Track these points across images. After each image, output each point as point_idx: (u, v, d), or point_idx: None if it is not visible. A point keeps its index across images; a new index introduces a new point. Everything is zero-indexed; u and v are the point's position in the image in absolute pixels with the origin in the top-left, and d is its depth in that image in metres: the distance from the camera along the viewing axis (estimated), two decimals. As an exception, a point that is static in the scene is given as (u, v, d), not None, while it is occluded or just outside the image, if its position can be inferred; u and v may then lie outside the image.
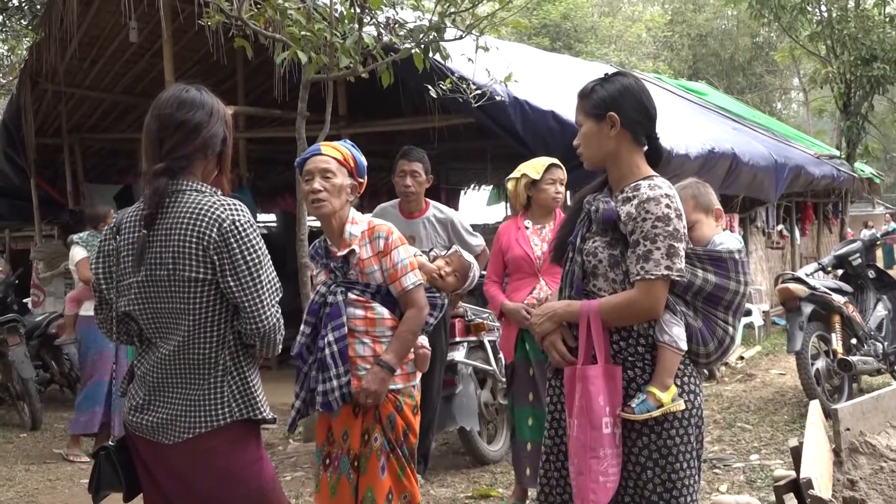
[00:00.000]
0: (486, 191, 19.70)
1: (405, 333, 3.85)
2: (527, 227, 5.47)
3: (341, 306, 3.80)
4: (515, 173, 5.48)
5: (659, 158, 3.19)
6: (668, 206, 2.97)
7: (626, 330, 3.05)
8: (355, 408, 3.84)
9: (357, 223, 3.90)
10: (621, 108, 3.08)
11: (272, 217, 16.34)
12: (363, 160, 3.96)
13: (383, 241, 3.85)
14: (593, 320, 3.02)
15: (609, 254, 3.04)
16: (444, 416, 6.19)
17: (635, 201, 3.00)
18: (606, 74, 3.20)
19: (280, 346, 2.99)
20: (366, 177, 3.99)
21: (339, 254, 3.86)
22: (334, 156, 3.84)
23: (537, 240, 5.42)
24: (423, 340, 4.07)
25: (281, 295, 2.95)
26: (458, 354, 6.36)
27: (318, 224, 4.81)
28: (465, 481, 6.20)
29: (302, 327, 3.89)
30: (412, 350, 3.95)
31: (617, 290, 3.04)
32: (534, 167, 5.46)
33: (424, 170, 5.91)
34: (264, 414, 2.96)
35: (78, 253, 7.49)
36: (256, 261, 2.84)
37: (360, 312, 3.83)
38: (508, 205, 5.63)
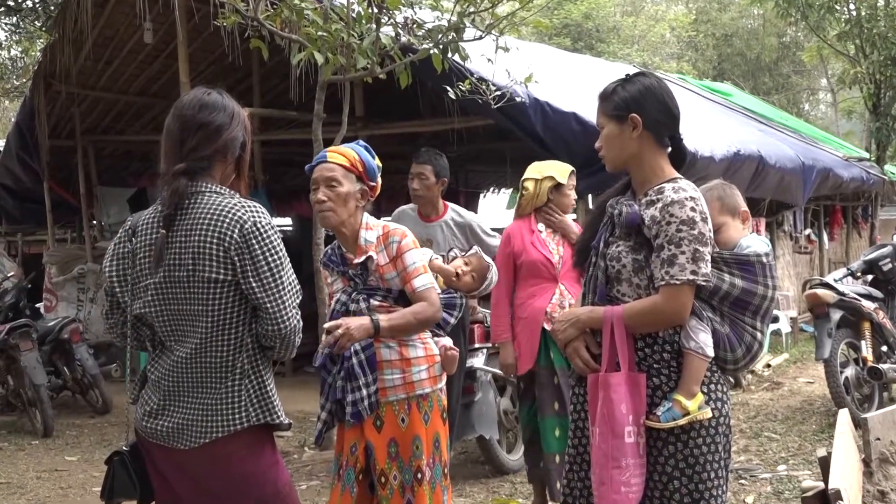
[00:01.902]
0: (505, 194, 19.68)
1: (409, 314, 3.84)
2: (540, 231, 5.45)
3: (365, 314, 3.80)
4: (534, 173, 5.45)
5: (683, 160, 3.19)
6: (692, 209, 2.96)
7: (650, 336, 3.04)
8: (376, 421, 3.83)
9: (372, 228, 3.90)
10: (643, 109, 3.08)
11: (288, 221, 16.38)
12: (373, 162, 3.94)
13: (396, 245, 3.85)
14: (617, 326, 3.02)
15: (633, 258, 3.04)
16: (463, 424, 6.19)
17: (659, 204, 2.99)
18: (628, 75, 3.20)
19: (296, 350, 3.01)
20: (378, 179, 3.98)
21: (356, 261, 3.86)
22: (340, 162, 3.84)
23: (553, 244, 5.40)
24: (449, 342, 4.07)
25: (301, 297, 2.98)
26: (478, 361, 6.36)
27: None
28: (483, 491, 6.20)
29: (323, 338, 3.89)
30: (438, 352, 3.96)
31: (641, 295, 3.04)
32: (558, 170, 5.44)
33: (433, 172, 5.92)
34: (281, 419, 2.98)
35: None
36: (278, 262, 2.88)
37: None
38: (516, 207, 5.57)
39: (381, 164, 3.99)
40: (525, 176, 5.50)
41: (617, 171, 3.19)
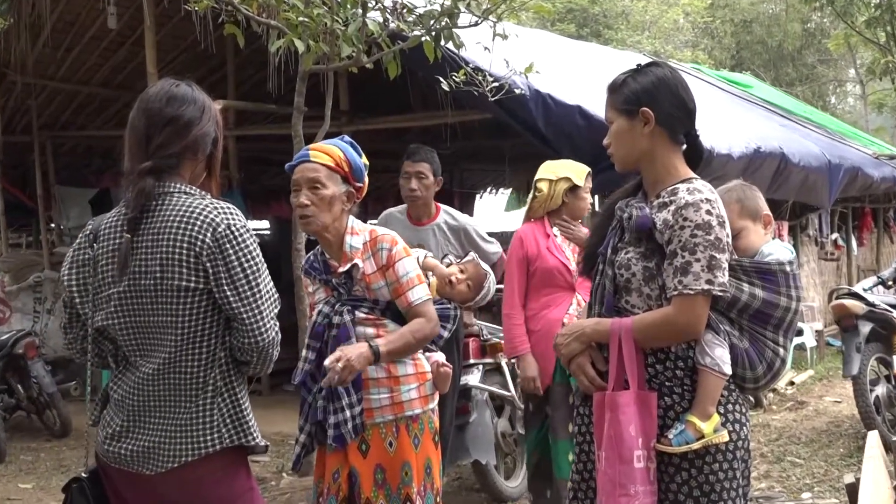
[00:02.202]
0: (503, 194, 19.71)
1: (408, 334, 3.85)
2: (555, 235, 5.46)
3: (349, 327, 3.80)
4: (548, 174, 5.46)
5: (699, 159, 3.20)
6: (709, 212, 2.96)
7: (662, 352, 3.04)
8: (361, 444, 3.83)
9: (358, 233, 3.90)
10: (656, 102, 3.08)
11: (265, 224, 16.38)
12: (360, 161, 3.94)
13: (386, 252, 3.85)
14: (625, 341, 3.02)
15: (643, 266, 3.04)
16: (457, 447, 6.18)
17: (672, 207, 3.00)
18: (639, 65, 3.21)
19: (273, 365, 3.02)
20: (366, 179, 3.99)
21: (340, 269, 3.86)
22: (324, 162, 3.84)
23: (569, 250, 5.40)
24: (442, 358, 4.07)
25: (279, 307, 2.98)
26: (473, 378, 6.35)
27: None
28: (480, 521, 6.19)
29: (304, 352, 3.90)
30: (430, 369, 3.96)
31: (652, 306, 3.04)
32: (575, 171, 5.45)
33: (432, 171, 5.93)
34: (257, 440, 2.97)
35: None
36: (255, 268, 2.88)
37: (370, 331, 3.84)
38: (527, 209, 5.55)
39: (367, 163, 3.99)
40: (538, 176, 5.51)
41: (627, 170, 3.20)
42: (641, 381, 3.03)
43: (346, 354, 3.67)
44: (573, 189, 5.41)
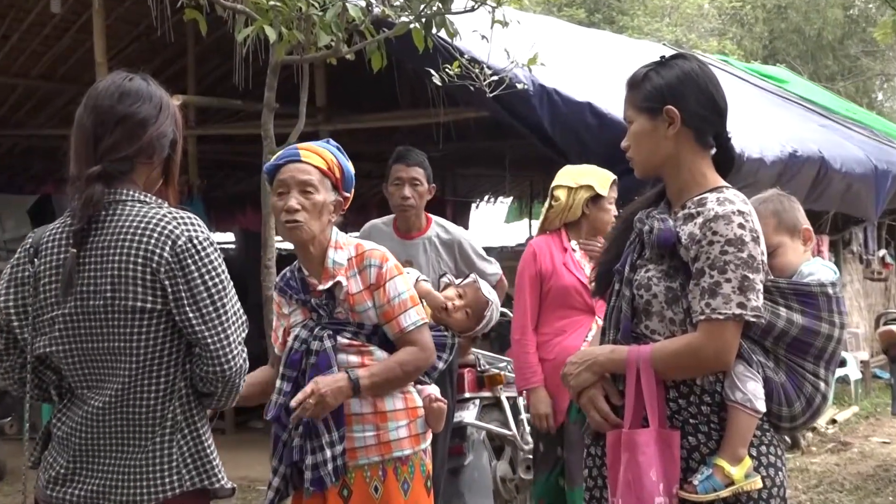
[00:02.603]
0: (503, 204, 19.75)
1: (395, 366, 3.85)
2: (574, 250, 5.47)
3: (330, 354, 3.80)
4: (568, 180, 5.48)
5: (730, 165, 3.21)
6: (741, 225, 2.97)
7: (686, 385, 3.04)
8: (343, 489, 3.81)
9: (342, 248, 3.92)
10: (682, 100, 3.09)
11: (229, 236, 16.38)
12: (351, 168, 3.97)
13: (375, 270, 3.86)
14: (644, 371, 3.02)
15: (666, 286, 3.04)
16: (450, 493, 6.18)
17: (700, 219, 3.01)
18: (663, 58, 3.22)
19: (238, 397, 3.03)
20: (353, 190, 4.01)
21: (321, 287, 3.86)
22: (317, 164, 3.85)
23: (588, 267, 5.38)
24: (436, 391, 4.07)
25: (247, 331, 2.98)
26: (468, 415, 6.35)
27: (288, 246, 4.81)
28: (476, 578, 6.17)
29: (279, 383, 3.89)
30: (422, 404, 3.96)
31: (675, 332, 3.04)
32: (598, 179, 5.45)
33: (426, 177, 5.93)
34: (222, 482, 2.97)
35: None
36: (220, 287, 2.89)
37: (354, 359, 3.84)
38: (542, 219, 5.52)
39: (353, 171, 4.00)
40: (556, 182, 5.53)
41: (647, 176, 3.21)
42: (662, 417, 3.03)
43: (320, 388, 3.67)
44: (596, 199, 5.41)
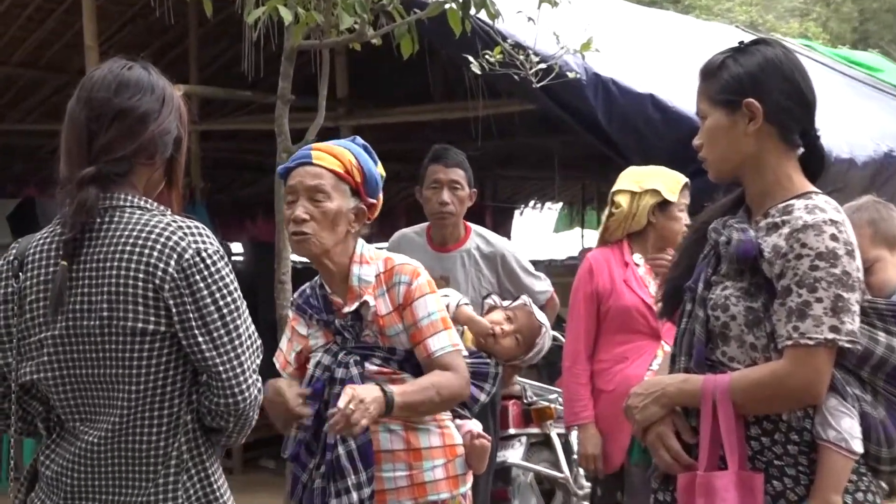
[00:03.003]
0: (551, 210, 19.74)
1: (430, 387, 3.84)
2: (636, 265, 5.46)
3: (357, 383, 3.78)
4: (630, 184, 5.45)
5: (820, 167, 3.20)
6: (834, 237, 2.96)
7: (770, 420, 3.03)
8: None
9: (369, 262, 3.92)
10: (764, 91, 3.08)
11: (237, 247, 16.45)
12: (376, 171, 3.96)
13: (404, 287, 3.87)
14: (722, 404, 3.00)
15: (745, 307, 3.03)
16: (493, 544, 6.17)
17: (786, 230, 3.00)
18: (742, 43, 3.21)
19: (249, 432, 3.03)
20: (380, 195, 4.01)
21: (346, 308, 3.87)
22: (331, 166, 3.85)
23: (654, 285, 5.36)
24: (476, 427, 4.07)
25: (262, 356, 2.99)
26: (514, 454, 6.35)
27: (305, 259, 4.82)
28: None
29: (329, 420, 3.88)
30: (463, 441, 3.96)
31: (757, 359, 3.03)
32: (666, 182, 5.42)
33: (467, 180, 5.92)
34: None
35: None
36: (232, 307, 2.89)
37: None
38: (601, 229, 5.48)
39: (384, 174, 4.01)
40: (617, 186, 5.51)
41: (724, 179, 3.20)
42: (743, 458, 3.01)
43: (359, 394, 3.64)
44: (663, 205, 5.36)
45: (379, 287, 3.88)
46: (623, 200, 5.40)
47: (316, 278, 4.03)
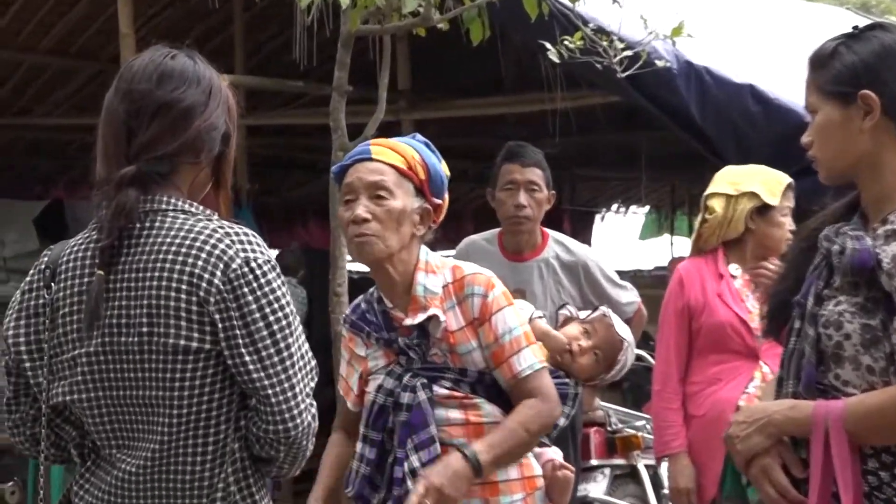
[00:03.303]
0: (636, 215, 19.68)
1: (518, 429, 3.81)
2: (732, 276, 5.43)
3: (426, 409, 3.77)
4: (725, 186, 5.41)
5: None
6: (962, 246, 2.93)
7: (890, 453, 3.00)
8: None
9: (436, 271, 3.89)
10: (883, 83, 3.04)
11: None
12: (441, 168, 3.95)
13: (479, 300, 3.83)
14: (835, 434, 2.98)
15: (862, 324, 3.00)
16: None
17: (907, 238, 2.97)
18: (856, 28, 3.18)
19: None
20: (446, 196, 4.00)
21: (409, 321, 3.84)
22: (393, 161, 3.83)
23: (753, 299, 5.35)
24: (557, 455, 4.06)
25: (317, 378, 2.99)
26: (596, 488, 6.34)
27: (362, 268, 4.82)
28: None
29: (359, 447, 3.90)
30: (543, 472, 3.95)
31: (875, 384, 3.00)
32: (766, 184, 5.34)
33: (545, 181, 5.90)
34: None
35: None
36: (284, 323, 2.88)
37: (456, 416, 3.82)
38: (694, 237, 5.43)
39: (448, 174, 4.00)
40: (711, 189, 5.48)
41: (836, 181, 3.18)
42: (859, 495, 2.98)
43: (433, 482, 3.64)
44: (763, 210, 5.29)
45: (448, 299, 3.85)
46: (717, 205, 5.35)
47: (371, 290, 4.01)
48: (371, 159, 3.84)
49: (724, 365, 5.34)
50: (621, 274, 6.48)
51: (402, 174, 3.83)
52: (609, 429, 6.69)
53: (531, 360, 3.85)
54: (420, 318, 3.83)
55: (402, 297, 3.89)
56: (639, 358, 5.59)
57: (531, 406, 3.82)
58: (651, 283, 11.84)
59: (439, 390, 3.82)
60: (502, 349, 3.82)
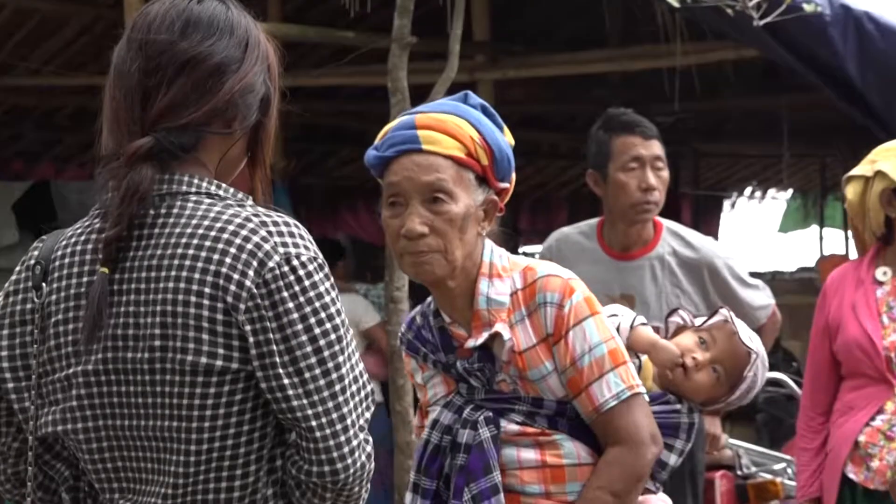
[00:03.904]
0: (776, 201, 19.61)
1: (599, 495, 3.79)
2: (878, 282, 5.43)
3: (490, 451, 3.74)
4: (864, 165, 5.39)
5: None
6: None
7: None
8: None
9: (502, 276, 3.81)
10: None
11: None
12: (505, 142, 3.84)
13: (553, 311, 3.75)
14: None
15: None
16: None
17: None
18: None
19: None
20: (513, 176, 3.89)
21: (471, 343, 3.78)
22: (449, 151, 3.70)
23: None
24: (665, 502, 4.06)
25: (373, 407, 2.95)
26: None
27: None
28: None
29: (408, 500, 3.89)
30: None
31: None
32: None
33: (665, 159, 5.88)
34: None
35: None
36: (333, 337, 2.83)
37: (530, 457, 3.80)
38: (853, 235, 5.39)
39: (513, 142, 3.88)
40: (853, 171, 5.47)
41: None
42: None
43: None
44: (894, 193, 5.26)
45: (516, 310, 3.77)
46: (851, 190, 5.35)
47: (428, 300, 3.95)
48: (422, 149, 3.72)
49: (860, 392, 5.37)
50: (755, 277, 6.46)
51: (462, 164, 3.71)
52: (740, 473, 6.68)
53: (617, 387, 3.75)
54: (483, 337, 3.75)
55: (463, 311, 3.82)
56: (777, 384, 5.56)
57: (613, 460, 3.78)
58: (794, 287, 11.83)
59: (508, 426, 3.77)
60: (581, 374, 3.74)
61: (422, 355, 3.90)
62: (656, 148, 5.86)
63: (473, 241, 3.74)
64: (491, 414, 3.77)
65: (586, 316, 3.75)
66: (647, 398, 3.88)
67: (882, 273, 5.41)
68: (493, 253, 3.82)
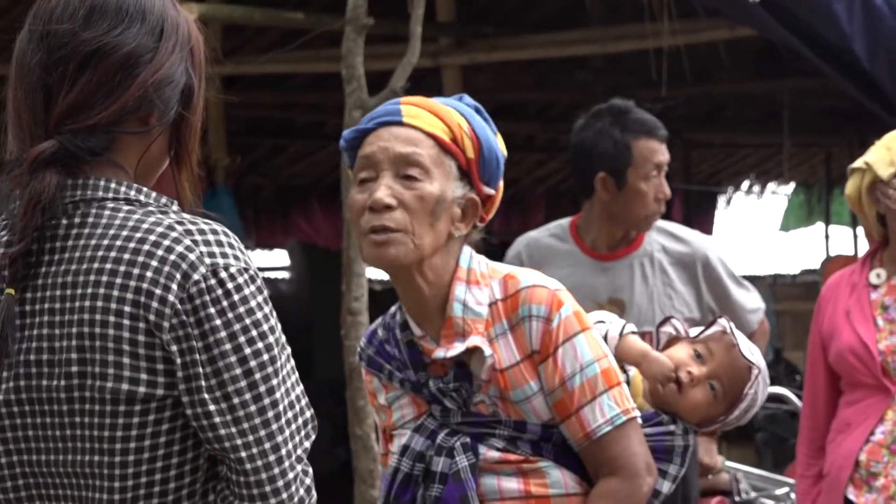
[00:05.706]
0: (777, 195, 19.70)
1: None
2: (872, 286, 5.45)
3: (468, 481, 3.74)
4: (863, 158, 5.42)
5: None
6: None
7: None
8: None
9: (479, 283, 3.80)
10: None
11: (279, 257, 16.61)
12: (498, 145, 3.88)
13: (540, 325, 3.74)
14: None
15: None
16: None
17: None
18: None
19: None
20: (500, 184, 3.90)
21: (442, 353, 3.75)
22: (432, 130, 3.72)
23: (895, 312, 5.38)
24: None
25: (314, 434, 2.93)
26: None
27: (386, 275, 4.71)
28: None
29: None
30: None
31: None
32: (893, 151, 5.36)
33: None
34: None
35: None
36: (265, 358, 2.80)
37: (512, 486, 3.80)
38: (862, 230, 5.48)
39: (506, 153, 3.91)
40: (855, 163, 5.49)
41: None
42: None
43: None
44: (876, 186, 5.29)
45: (496, 323, 3.76)
46: (850, 187, 5.44)
47: (392, 311, 3.92)
48: (401, 123, 3.72)
49: (856, 406, 5.42)
50: (755, 280, 6.48)
51: (444, 148, 3.71)
52: (738, 499, 6.69)
53: (612, 411, 3.76)
54: (456, 349, 3.71)
55: (434, 319, 3.80)
56: (779, 399, 5.55)
57: (607, 493, 3.78)
58: (798, 293, 11.88)
59: (488, 452, 3.77)
60: (571, 396, 3.73)
61: (386, 373, 3.88)
62: (664, 150, 5.91)
63: (444, 236, 3.70)
64: (468, 439, 3.76)
65: (577, 332, 3.75)
66: (640, 420, 3.87)
67: (875, 276, 5.47)
68: (473, 259, 3.81)
